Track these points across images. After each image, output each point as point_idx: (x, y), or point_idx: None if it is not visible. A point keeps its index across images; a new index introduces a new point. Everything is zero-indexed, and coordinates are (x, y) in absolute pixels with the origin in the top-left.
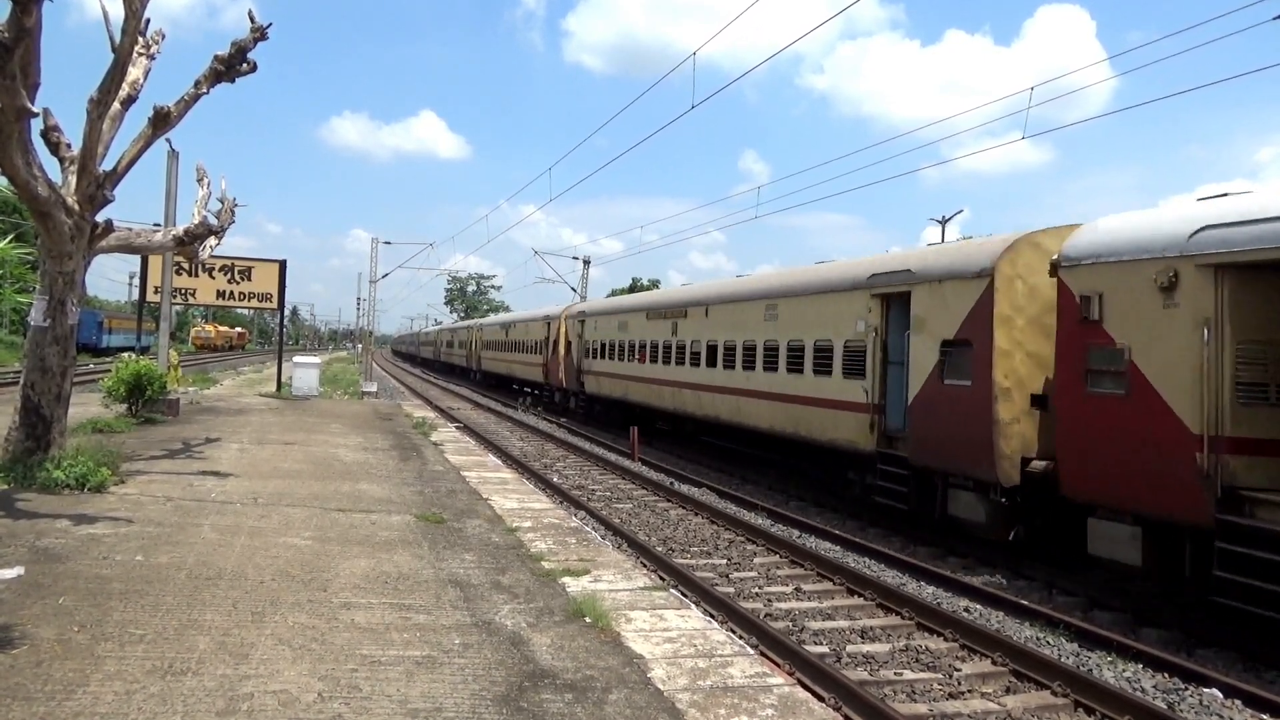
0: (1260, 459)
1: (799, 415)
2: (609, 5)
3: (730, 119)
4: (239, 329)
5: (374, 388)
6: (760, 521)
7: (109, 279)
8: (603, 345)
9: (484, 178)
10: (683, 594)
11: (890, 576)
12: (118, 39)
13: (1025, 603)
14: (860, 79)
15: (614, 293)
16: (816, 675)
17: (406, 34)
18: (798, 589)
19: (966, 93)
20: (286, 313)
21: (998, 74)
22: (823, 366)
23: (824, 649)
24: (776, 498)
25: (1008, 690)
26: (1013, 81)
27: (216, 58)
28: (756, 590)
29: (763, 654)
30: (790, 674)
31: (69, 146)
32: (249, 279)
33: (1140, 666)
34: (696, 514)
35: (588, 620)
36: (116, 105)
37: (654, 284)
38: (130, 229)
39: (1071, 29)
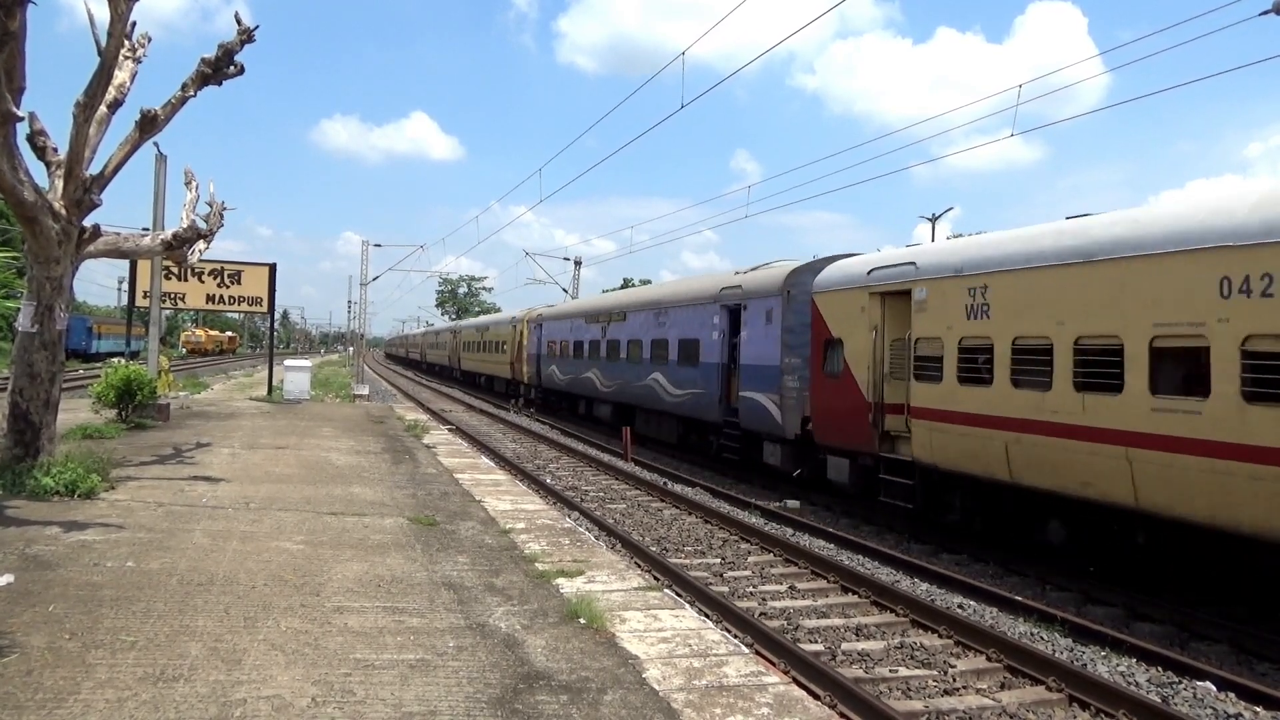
0: None
1: None
2: (601, 6)
3: (722, 119)
4: (229, 333)
5: (366, 391)
6: (754, 520)
7: (98, 284)
8: None
9: (477, 179)
10: (677, 594)
11: (884, 574)
12: (103, 42)
13: (1019, 598)
14: (852, 78)
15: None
16: (812, 673)
17: (397, 36)
18: (792, 587)
19: (958, 90)
20: (277, 316)
21: (989, 71)
22: None
23: (819, 647)
24: (770, 496)
25: (1003, 686)
26: (1004, 79)
27: (203, 60)
28: (751, 589)
29: (758, 653)
30: (785, 672)
31: (55, 151)
32: (239, 283)
33: (1134, 660)
34: (690, 513)
35: (582, 621)
36: (103, 109)
37: (645, 284)
38: (118, 233)
39: (1063, 26)
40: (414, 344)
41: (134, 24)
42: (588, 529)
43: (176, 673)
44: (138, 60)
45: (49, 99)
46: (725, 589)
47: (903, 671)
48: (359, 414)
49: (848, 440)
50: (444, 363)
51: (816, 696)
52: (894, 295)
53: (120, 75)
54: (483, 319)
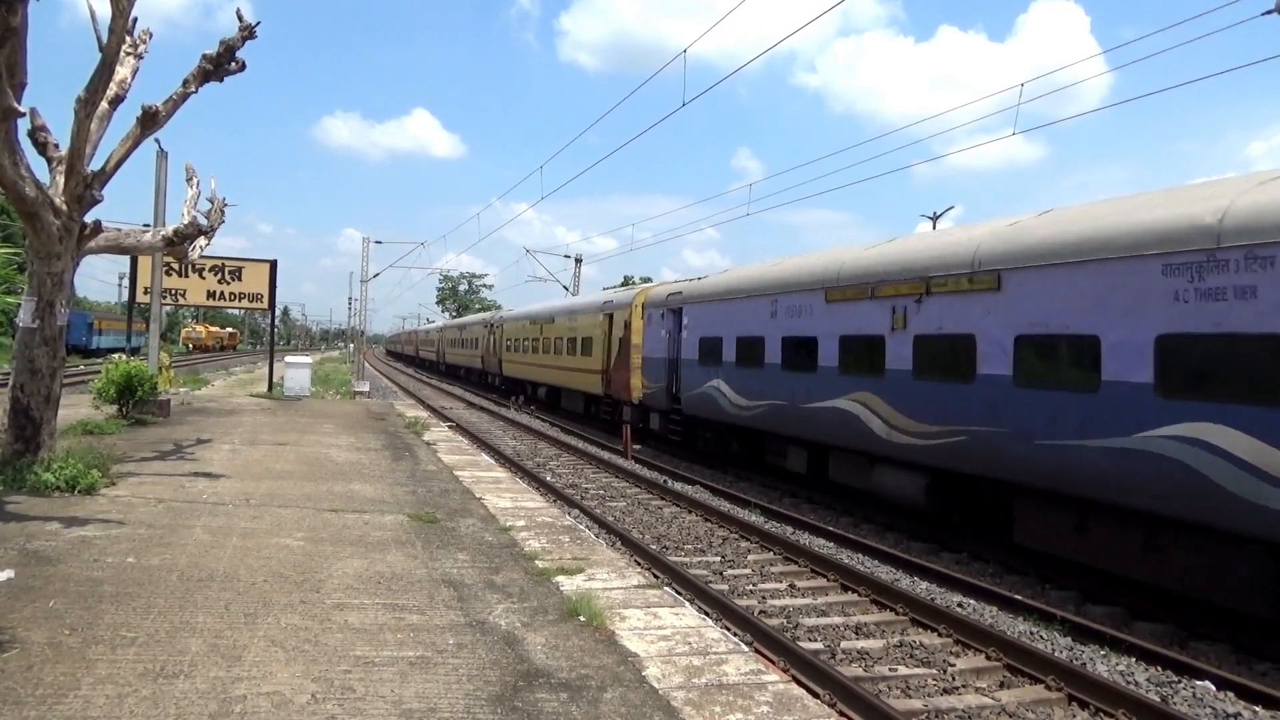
0: None
1: None
2: (603, 3)
3: (723, 117)
4: (230, 329)
5: (366, 387)
6: (754, 518)
7: (99, 280)
8: None
9: (478, 176)
10: (677, 592)
11: (884, 572)
12: (105, 38)
13: (1019, 597)
14: (853, 76)
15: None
16: (811, 672)
17: (399, 34)
18: (791, 586)
19: (960, 89)
20: (278, 313)
21: (992, 70)
22: None
23: (818, 645)
24: (770, 494)
25: (1002, 685)
26: (1007, 77)
27: (205, 57)
28: (750, 588)
29: (757, 651)
30: (785, 671)
31: (57, 147)
32: (239, 279)
33: (1134, 660)
34: (690, 511)
35: (582, 619)
36: (104, 105)
37: (645, 281)
38: (119, 229)
39: (1065, 25)
40: (427, 341)
41: (135, 20)
42: (588, 526)
43: (177, 669)
44: (139, 56)
45: (50, 95)
46: (725, 587)
47: (902, 670)
48: (359, 411)
49: None
50: (474, 365)
51: (816, 695)
52: None
53: (121, 71)
54: (545, 305)
